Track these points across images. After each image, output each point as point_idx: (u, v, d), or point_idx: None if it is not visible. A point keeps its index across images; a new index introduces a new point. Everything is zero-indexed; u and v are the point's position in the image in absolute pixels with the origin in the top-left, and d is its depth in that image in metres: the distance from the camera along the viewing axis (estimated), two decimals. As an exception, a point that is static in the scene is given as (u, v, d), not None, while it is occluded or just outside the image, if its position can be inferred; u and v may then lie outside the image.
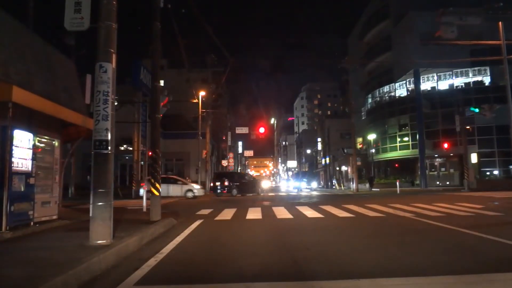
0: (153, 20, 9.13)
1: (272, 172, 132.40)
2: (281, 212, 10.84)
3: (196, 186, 22.75)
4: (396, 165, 37.55)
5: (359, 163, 34.24)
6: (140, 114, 23.59)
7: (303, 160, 72.83)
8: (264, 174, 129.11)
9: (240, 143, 64.66)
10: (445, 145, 30.43)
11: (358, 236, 6.57)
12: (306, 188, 39.80)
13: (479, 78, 34.17)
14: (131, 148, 24.83)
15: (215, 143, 39.44)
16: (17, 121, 6.20)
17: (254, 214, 10.59)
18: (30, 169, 6.57)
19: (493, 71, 32.39)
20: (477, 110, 20.65)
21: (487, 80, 33.75)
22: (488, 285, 3.51)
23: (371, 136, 39.49)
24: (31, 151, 6.60)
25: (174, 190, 21.60)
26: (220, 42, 13.99)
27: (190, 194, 21.47)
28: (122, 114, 20.16)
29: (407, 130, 35.80)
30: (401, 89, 38.57)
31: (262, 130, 38.03)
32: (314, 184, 44.11)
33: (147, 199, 9.86)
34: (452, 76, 35.20)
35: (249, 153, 65.84)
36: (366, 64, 43.96)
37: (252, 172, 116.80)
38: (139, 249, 5.46)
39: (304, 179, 44.23)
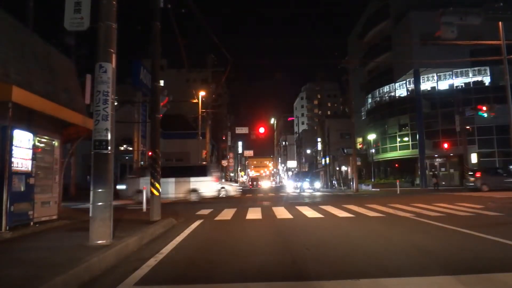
0: (153, 20, 9.12)
1: (272, 172, 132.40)
2: (281, 212, 10.83)
3: None
4: (396, 165, 37.55)
5: (359, 163, 34.23)
6: (140, 114, 23.64)
7: (303, 160, 72.82)
8: (264, 174, 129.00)
9: (240, 143, 64.64)
10: (445, 145, 30.48)
11: (358, 236, 6.57)
12: (309, 189, 39.31)
13: (479, 78, 34.15)
14: (131, 148, 24.84)
15: (215, 143, 39.45)
16: (17, 121, 6.20)
17: (254, 214, 10.59)
18: (30, 169, 6.57)
19: (493, 71, 32.36)
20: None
21: (487, 80, 33.73)
22: (488, 285, 3.50)
23: (371, 136, 39.47)
24: (31, 151, 6.59)
25: None
26: (220, 42, 13.92)
27: None
28: (122, 114, 20.22)
29: (407, 130, 35.78)
30: (401, 89, 38.55)
31: (262, 130, 38.07)
32: (317, 185, 43.12)
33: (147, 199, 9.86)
34: (452, 76, 35.19)
35: (249, 153, 65.90)
36: (366, 64, 43.92)
37: (252, 172, 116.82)
38: (139, 249, 5.46)
39: (307, 179, 43.55)
